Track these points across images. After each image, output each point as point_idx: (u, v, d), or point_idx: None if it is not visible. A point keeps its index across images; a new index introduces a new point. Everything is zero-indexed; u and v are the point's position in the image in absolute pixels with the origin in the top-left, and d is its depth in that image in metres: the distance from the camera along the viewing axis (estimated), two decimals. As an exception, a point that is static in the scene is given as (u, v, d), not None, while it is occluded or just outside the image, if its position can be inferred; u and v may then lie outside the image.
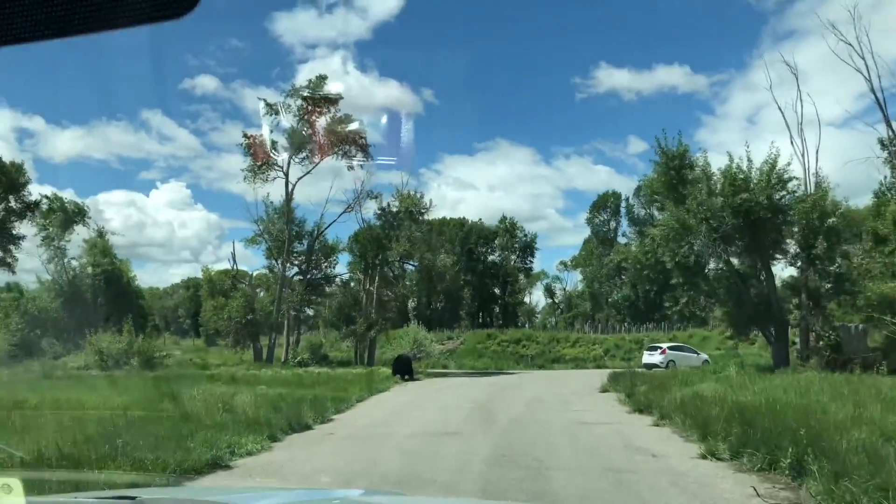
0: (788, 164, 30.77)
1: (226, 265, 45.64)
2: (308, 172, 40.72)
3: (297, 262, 42.60)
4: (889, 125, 32.88)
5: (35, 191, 51.54)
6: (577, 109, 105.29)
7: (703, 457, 10.59)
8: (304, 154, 40.21)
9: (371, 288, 41.34)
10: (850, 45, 33.15)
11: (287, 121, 38.72)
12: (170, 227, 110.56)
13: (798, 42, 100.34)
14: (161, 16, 0.98)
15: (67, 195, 50.91)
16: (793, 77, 47.58)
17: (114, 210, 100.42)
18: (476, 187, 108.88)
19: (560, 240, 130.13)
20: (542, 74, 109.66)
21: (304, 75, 40.79)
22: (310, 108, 38.39)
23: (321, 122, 38.80)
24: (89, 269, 41.70)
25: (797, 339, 33.61)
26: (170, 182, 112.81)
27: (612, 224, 78.36)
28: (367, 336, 40.18)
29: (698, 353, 40.92)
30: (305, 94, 38.28)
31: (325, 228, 42.84)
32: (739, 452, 10.25)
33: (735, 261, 32.90)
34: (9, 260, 52.17)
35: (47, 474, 8.38)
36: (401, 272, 54.58)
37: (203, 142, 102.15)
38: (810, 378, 20.90)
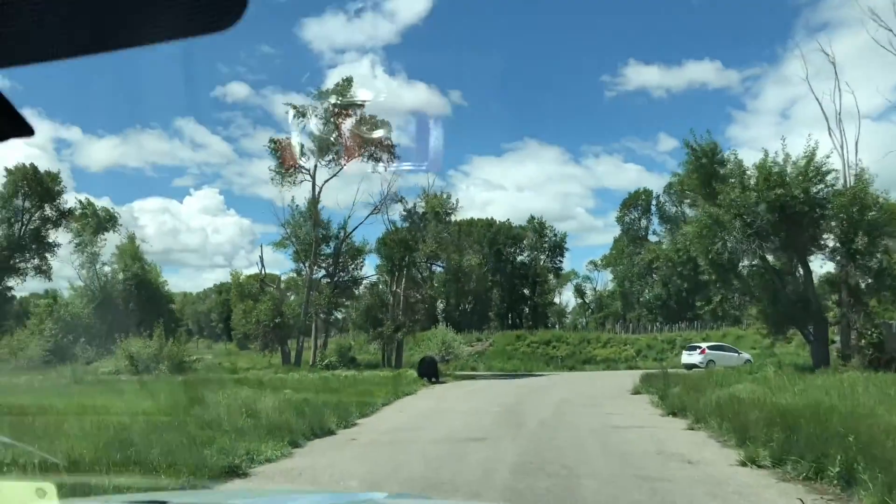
0: (828, 156, 29.85)
1: (257, 269, 45.70)
2: (335, 175, 40.66)
3: (324, 265, 42.50)
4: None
5: (71, 199, 52.72)
6: (605, 107, 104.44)
7: (743, 464, 10.04)
8: (331, 157, 40.14)
9: (398, 290, 41.04)
10: (891, 30, 32.05)
11: (314, 124, 38.64)
12: (203, 233, 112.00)
13: (832, 34, 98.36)
14: (206, 29, 0.97)
15: (104, 203, 51.76)
16: (828, 69, 46.32)
17: (149, 217, 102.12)
18: (505, 188, 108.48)
19: (590, 239, 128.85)
20: (570, 73, 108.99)
21: (333, 80, 41.17)
22: (336, 110, 38.26)
23: (347, 124, 38.70)
24: (120, 275, 42.05)
25: (837, 338, 32.57)
26: (203, 188, 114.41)
27: (643, 222, 77.23)
28: (395, 338, 39.85)
29: (739, 353, 39.79)
30: (332, 97, 38.16)
31: (352, 231, 42.76)
32: (782, 459, 9.69)
33: (770, 257, 31.97)
34: (44, 267, 53.33)
35: (80, 478, 8.26)
36: (429, 274, 54.35)
37: (235, 148, 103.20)
38: (853, 378, 20.11)
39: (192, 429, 12.35)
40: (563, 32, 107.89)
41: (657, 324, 62.51)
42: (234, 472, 9.63)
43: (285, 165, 39.22)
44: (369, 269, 45.81)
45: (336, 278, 42.07)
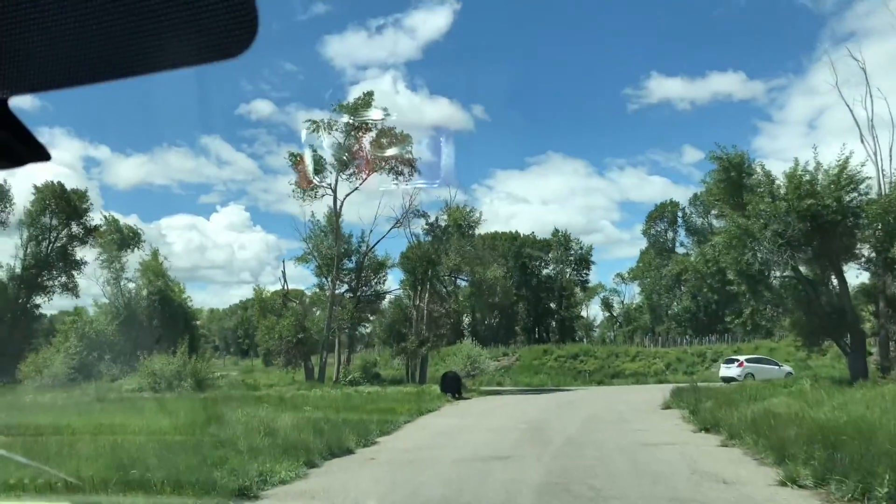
0: (863, 164, 28.95)
1: (290, 286, 45.66)
2: (356, 189, 40.45)
3: (346, 280, 42.27)
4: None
5: (98, 216, 53.26)
6: (629, 120, 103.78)
7: (783, 484, 9.42)
8: (352, 171, 39.98)
9: (421, 304, 40.62)
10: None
11: (334, 138, 38.58)
12: (230, 250, 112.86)
13: (860, 42, 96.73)
14: (216, 56, 1.01)
15: (131, 220, 52.13)
16: (856, 78, 45.52)
17: (176, 234, 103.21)
18: (529, 201, 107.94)
19: (616, 252, 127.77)
20: (593, 86, 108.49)
21: (355, 96, 41.24)
22: (356, 124, 38.13)
23: (368, 138, 38.54)
24: (144, 292, 42.17)
25: (874, 349, 31.47)
26: (229, 205, 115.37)
27: (670, 234, 76.17)
28: (419, 353, 39.39)
29: (780, 365, 38.55)
30: (352, 110, 38.06)
31: (374, 245, 42.49)
32: (825, 479, 9.07)
33: (803, 268, 31.05)
34: (71, 285, 53.79)
35: (96, 499, 8.22)
36: (454, 288, 53.87)
37: (260, 165, 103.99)
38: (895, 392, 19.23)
39: (206, 448, 12.03)
40: (585, 46, 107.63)
41: (687, 337, 61.33)
42: (244, 495, 9.25)
43: (306, 180, 39.12)
44: (393, 283, 45.59)
45: (359, 293, 41.77)
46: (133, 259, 45.74)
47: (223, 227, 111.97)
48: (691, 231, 73.65)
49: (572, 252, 74.71)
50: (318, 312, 43.55)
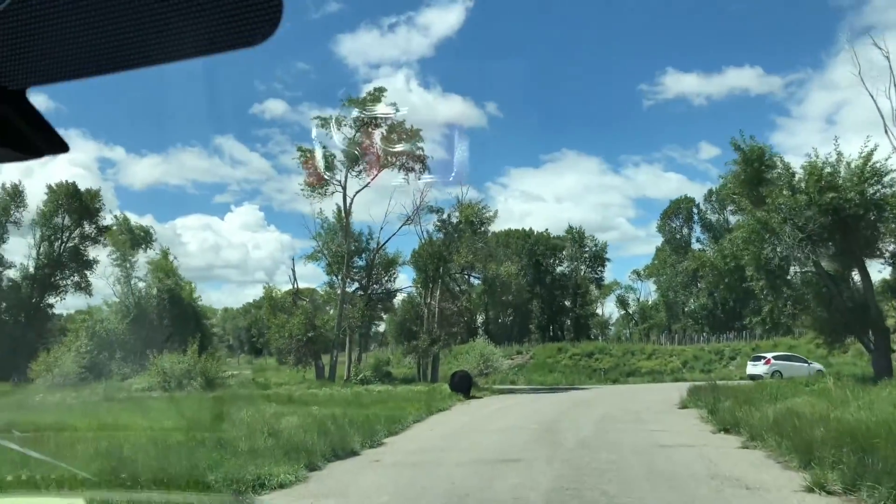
0: (888, 158, 28.10)
1: (301, 285, 45.42)
2: (366, 185, 39.98)
3: (357, 278, 41.84)
4: None
5: (111, 216, 53.29)
6: (644, 116, 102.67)
7: (810, 489, 8.82)
8: (362, 167, 39.52)
9: (432, 302, 40.12)
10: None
11: (343, 134, 38.11)
12: (244, 249, 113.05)
13: (879, 36, 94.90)
14: (239, 44, 0.99)
15: (147, 221, 52.08)
16: (878, 71, 44.47)
17: (190, 234, 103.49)
18: (543, 199, 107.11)
19: (632, 249, 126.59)
20: (607, 83, 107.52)
21: (366, 93, 40.79)
22: (366, 120, 37.65)
23: (378, 134, 38.05)
24: (154, 291, 41.97)
25: (899, 347, 30.62)
26: (243, 205, 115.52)
27: (685, 231, 75.22)
28: (430, 352, 38.89)
29: (809, 363, 37.41)
30: (362, 106, 37.58)
31: (385, 242, 42.02)
32: (855, 484, 8.48)
33: (824, 263, 30.24)
34: (83, 284, 53.85)
35: (110, 495, 7.82)
36: (468, 286, 53.35)
37: (273, 164, 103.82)
38: (922, 390, 18.52)
39: (205, 449, 11.61)
40: (599, 42, 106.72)
41: (703, 334, 60.44)
42: (238, 499, 8.77)
43: (315, 177, 38.70)
44: (405, 281, 45.12)
45: (369, 291, 41.33)
46: (145, 258, 45.64)
47: (237, 227, 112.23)
48: (707, 228, 72.74)
49: (587, 249, 73.94)
50: (331, 311, 43.21)
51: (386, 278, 42.82)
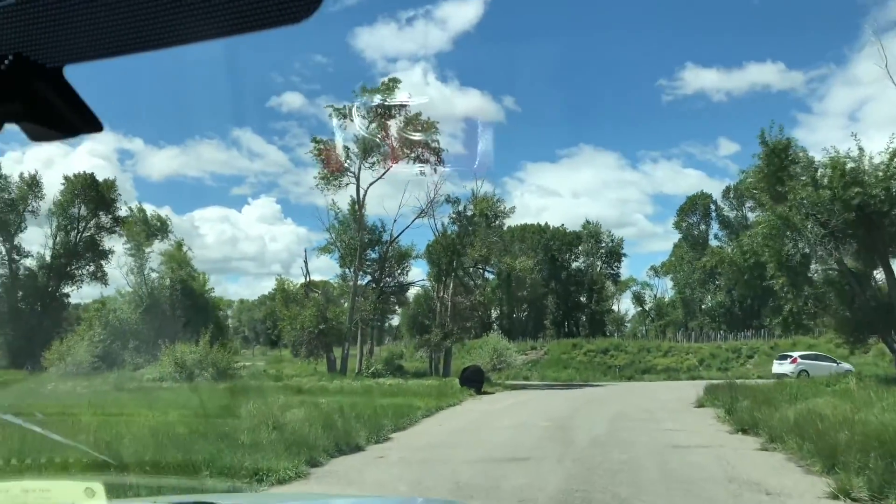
0: None
1: (314, 277, 45.33)
2: (380, 177, 39.57)
3: (369, 271, 41.53)
4: None
5: (125, 208, 53.37)
6: (663, 112, 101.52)
7: (835, 496, 8.34)
8: (376, 158, 39.13)
9: (445, 296, 39.72)
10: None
11: (357, 124, 37.72)
12: (261, 241, 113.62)
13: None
14: (282, 20, 0.96)
15: (165, 212, 52.21)
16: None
17: (208, 226, 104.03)
18: (560, 194, 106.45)
19: (650, 246, 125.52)
20: (626, 78, 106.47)
21: (381, 84, 40.18)
22: (381, 111, 37.23)
23: (393, 124, 37.62)
24: (167, 281, 41.94)
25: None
26: (260, 197, 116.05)
27: (703, 227, 74.19)
28: (443, 346, 38.51)
29: (837, 363, 36.32)
30: (376, 96, 37.21)
31: (398, 235, 41.64)
32: (883, 491, 8.02)
33: (847, 260, 29.48)
34: (99, 274, 54.05)
35: (128, 479, 8.03)
36: (483, 281, 52.92)
37: (291, 157, 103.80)
38: (949, 392, 17.87)
39: (205, 441, 11.32)
40: (618, 36, 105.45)
41: (721, 332, 59.62)
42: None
43: (329, 168, 38.37)
44: (419, 275, 44.75)
45: (382, 284, 41.00)
46: (160, 248, 45.64)
47: (255, 220, 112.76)
48: (725, 225, 71.81)
49: (603, 245, 73.21)
50: (345, 304, 42.97)
51: (399, 271, 42.48)
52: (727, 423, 16.15)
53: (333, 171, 38.51)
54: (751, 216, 59.02)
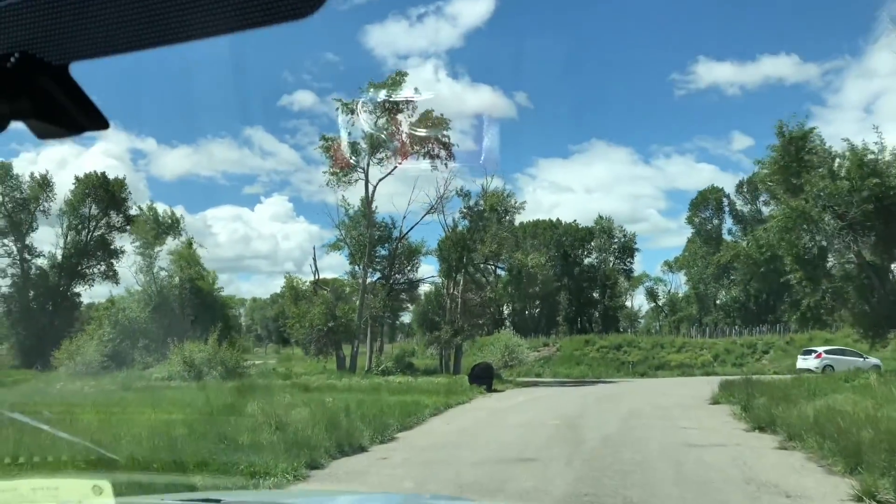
0: None
1: (326, 275, 45.12)
2: (390, 173, 39.14)
3: (379, 268, 41.17)
4: None
5: (135, 207, 53.30)
6: (676, 106, 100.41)
7: (859, 499, 7.89)
8: (384, 154, 38.70)
9: (455, 292, 39.29)
10: None
11: (365, 119, 37.29)
12: (273, 240, 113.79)
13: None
14: (287, 16, 0.95)
15: (178, 211, 52.17)
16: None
17: (221, 224, 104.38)
18: (572, 190, 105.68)
19: (663, 241, 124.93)
20: (638, 72, 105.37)
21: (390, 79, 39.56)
22: (388, 105, 36.80)
23: (400, 119, 37.18)
24: (176, 280, 41.77)
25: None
26: (273, 196, 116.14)
27: (716, 221, 73.34)
28: (453, 343, 38.11)
29: (864, 358, 35.32)
30: (383, 91, 36.79)
31: (408, 231, 41.23)
32: (911, 494, 7.53)
33: (866, 253, 28.83)
34: (110, 273, 54.09)
35: (137, 476, 7.97)
36: (494, 277, 52.46)
37: (302, 156, 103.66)
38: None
39: (204, 442, 11.00)
40: (630, 31, 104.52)
41: (735, 327, 58.87)
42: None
43: (337, 164, 38.02)
44: (429, 270, 44.35)
45: (391, 281, 40.63)
46: (169, 247, 45.46)
47: (267, 218, 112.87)
48: (738, 219, 70.99)
49: (615, 240, 72.54)
50: (356, 301, 42.67)
51: (409, 268, 42.10)
52: (743, 421, 15.70)
53: (342, 168, 38.16)
54: (765, 210, 58.37)
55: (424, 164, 38.13)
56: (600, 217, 72.82)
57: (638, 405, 20.97)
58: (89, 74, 1.00)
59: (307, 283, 43.08)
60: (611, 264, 72.59)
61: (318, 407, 16.32)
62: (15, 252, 52.35)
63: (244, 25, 0.96)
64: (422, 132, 36.66)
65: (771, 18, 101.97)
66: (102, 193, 53.67)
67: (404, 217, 41.13)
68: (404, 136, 37.63)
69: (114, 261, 54.35)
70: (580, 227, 71.44)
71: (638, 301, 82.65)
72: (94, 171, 54.32)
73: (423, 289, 45.45)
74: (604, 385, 34.27)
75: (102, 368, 35.36)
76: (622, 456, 11.11)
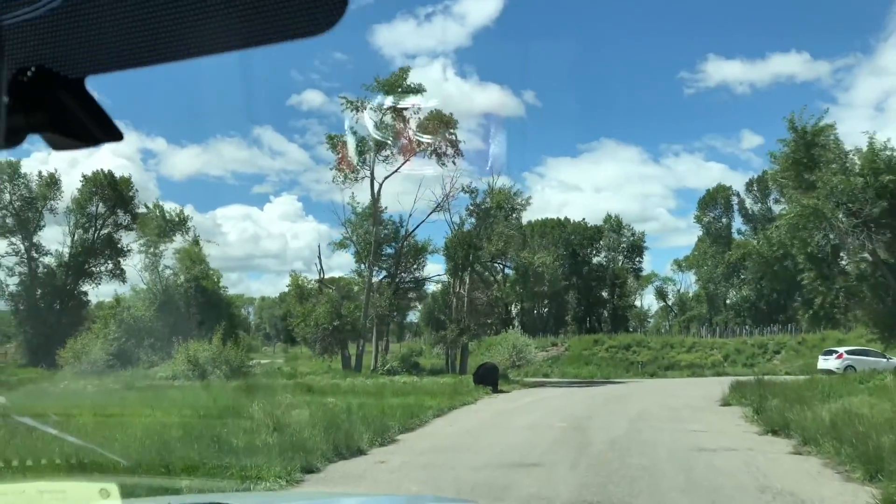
0: None
1: (334, 274, 44.81)
2: (396, 171, 38.78)
3: (385, 266, 40.79)
4: None
5: (142, 207, 53.13)
6: (685, 105, 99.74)
7: (880, 509, 7.43)
8: (390, 151, 38.34)
9: (461, 291, 38.87)
10: None
11: (370, 117, 36.94)
12: (283, 239, 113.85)
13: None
14: (301, 34, 0.97)
15: (187, 211, 52.13)
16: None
17: (230, 224, 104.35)
18: (581, 189, 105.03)
19: (673, 241, 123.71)
20: (647, 71, 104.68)
21: (396, 77, 38.75)
22: (394, 103, 36.41)
23: (406, 115, 36.81)
24: (181, 278, 41.52)
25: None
26: (282, 195, 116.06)
27: (725, 220, 72.64)
28: (459, 342, 37.70)
29: (888, 358, 34.72)
30: (388, 87, 36.40)
31: (414, 229, 40.84)
32: (937, 504, 7.08)
33: (880, 251, 28.21)
34: (117, 271, 54.00)
35: (142, 480, 7.98)
36: (502, 276, 52.04)
37: (311, 155, 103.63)
38: None
39: (197, 445, 10.65)
40: (639, 29, 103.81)
41: (746, 327, 58.18)
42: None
43: (343, 161, 37.70)
44: (436, 269, 43.95)
45: (397, 279, 40.25)
46: (179, 244, 45.22)
47: (276, 217, 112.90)
48: (748, 218, 70.31)
49: (624, 239, 71.97)
50: (363, 300, 42.33)
51: (415, 266, 41.72)
52: (756, 424, 15.23)
53: (347, 166, 37.84)
54: (776, 209, 57.73)
55: (431, 162, 37.81)
56: (609, 216, 72.32)
57: (647, 406, 20.51)
58: (102, 84, 0.98)
59: (312, 282, 42.75)
60: (620, 263, 72.03)
61: (319, 408, 16.02)
62: (23, 250, 52.35)
63: (260, 42, 0.95)
64: (428, 130, 36.29)
65: (781, 16, 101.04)
66: (109, 192, 53.57)
67: (410, 215, 40.84)
68: (410, 134, 37.27)
69: (121, 259, 54.28)
70: (589, 225, 70.94)
71: (647, 300, 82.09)
72: (101, 170, 54.21)
73: (431, 288, 45.20)
74: (612, 385, 33.79)
75: (108, 367, 35.14)
76: (629, 460, 10.68)
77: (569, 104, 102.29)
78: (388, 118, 37.15)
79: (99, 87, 1.02)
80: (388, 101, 36.00)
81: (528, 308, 67.30)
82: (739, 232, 71.51)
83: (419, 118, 36.76)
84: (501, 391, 27.42)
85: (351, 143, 37.44)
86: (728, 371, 41.10)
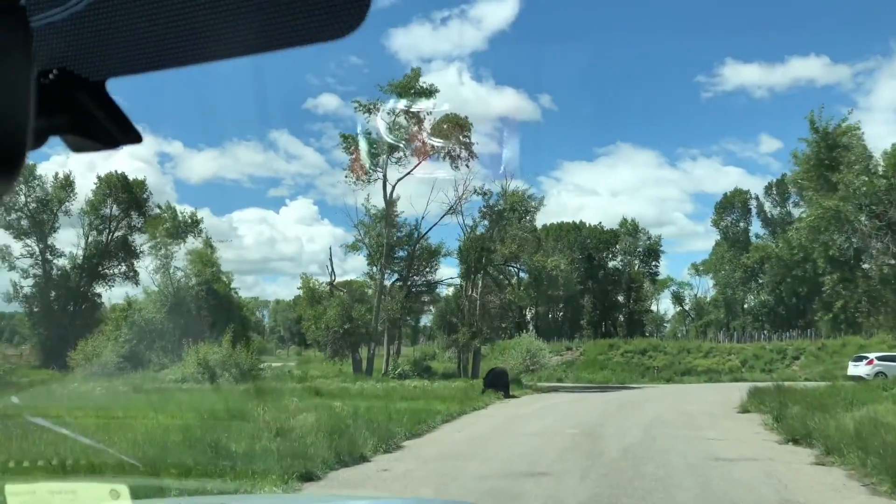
0: None
1: (348, 277, 44.58)
2: (409, 173, 38.47)
3: (398, 269, 40.44)
4: None
5: (157, 207, 53.17)
6: (702, 109, 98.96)
7: (911, 526, 6.93)
8: (402, 154, 38.05)
9: (474, 294, 38.43)
10: None
11: (383, 120, 36.68)
12: (298, 242, 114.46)
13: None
14: (321, 38, 0.95)
15: (204, 214, 52.17)
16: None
17: (246, 227, 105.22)
18: (598, 193, 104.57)
19: (690, 245, 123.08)
20: (664, 75, 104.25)
21: (411, 83, 38.28)
22: (407, 106, 36.13)
23: (419, 118, 36.51)
24: (192, 280, 41.40)
25: None
26: (298, 199, 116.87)
27: (742, 224, 71.72)
28: (471, 346, 37.24)
29: None
30: (401, 90, 36.12)
31: (427, 232, 40.48)
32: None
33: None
34: (130, 273, 54.08)
35: (155, 481, 7.92)
36: (517, 280, 51.55)
37: (327, 159, 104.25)
38: None
39: (194, 451, 10.31)
40: (656, 32, 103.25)
41: (764, 332, 57.25)
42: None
43: (356, 164, 37.45)
44: (449, 272, 43.56)
45: (409, 282, 39.87)
46: (192, 245, 45.15)
47: (292, 221, 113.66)
48: (767, 222, 69.38)
49: (641, 243, 71.26)
50: (375, 302, 42.02)
51: (427, 269, 41.33)
52: (775, 432, 14.68)
53: (361, 168, 37.59)
54: (795, 213, 56.86)
55: (444, 165, 37.50)
56: (625, 220, 71.63)
57: (662, 413, 19.96)
58: (122, 87, 1.00)
59: (324, 285, 42.48)
60: (636, 267, 71.40)
61: (326, 412, 15.67)
62: (37, 252, 52.51)
63: (280, 45, 0.94)
64: (442, 133, 35.96)
65: (800, 19, 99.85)
66: (123, 194, 53.66)
67: (422, 218, 40.51)
68: (423, 136, 36.96)
69: (134, 261, 54.36)
70: (605, 229, 70.32)
71: (664, 305, 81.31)
72: (115, 172, 54.31)
73: (444, 291, 44.81)
74: (627, 391, 33.19)
75: (118, 370, 35.06)
76: (643, 470, 10.20)
77: (585, 108, 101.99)
78: (400, 120, 36.87)
79: (118, 89, 1.01)
80: (401, 103, 35.70)
81: (542, 312, 66.79)
82: (757, 236, 70.69)
83: (433, 119, 36.45)
84: (513, 396, 26.94)
85: (364, 145, 37.18)
86: (746, 377, 40.37)
